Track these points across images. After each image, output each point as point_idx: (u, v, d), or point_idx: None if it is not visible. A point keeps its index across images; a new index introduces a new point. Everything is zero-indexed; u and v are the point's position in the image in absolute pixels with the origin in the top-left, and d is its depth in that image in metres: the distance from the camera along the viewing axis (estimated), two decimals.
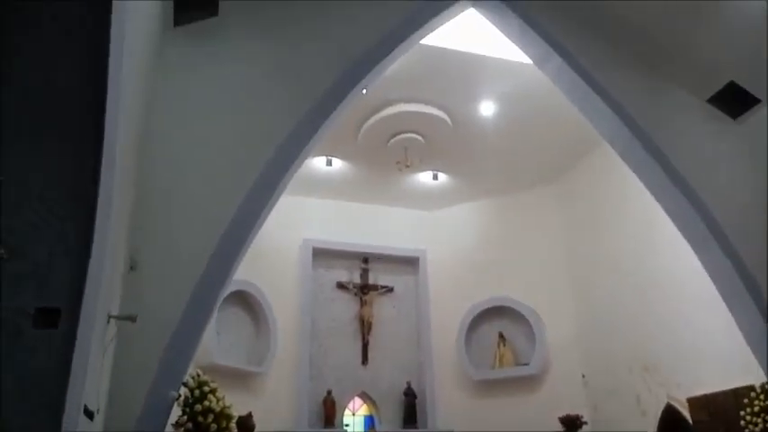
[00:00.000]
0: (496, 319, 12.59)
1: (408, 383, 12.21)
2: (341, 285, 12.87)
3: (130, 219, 5.62)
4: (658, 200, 7.70)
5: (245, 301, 11.32)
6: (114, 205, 3.98)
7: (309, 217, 12.62)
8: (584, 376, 11.30)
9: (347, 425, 11.91)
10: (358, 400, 12.38)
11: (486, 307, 12.55)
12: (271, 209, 6.56)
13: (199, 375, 5.41)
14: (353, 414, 12.33)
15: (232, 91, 6.61)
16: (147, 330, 5.33)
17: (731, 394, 7.74)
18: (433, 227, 13.48)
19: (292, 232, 12.35)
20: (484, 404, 11.67)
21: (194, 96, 6.42)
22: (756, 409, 6.42)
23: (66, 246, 3.71)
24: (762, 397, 6.43)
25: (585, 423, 10.52)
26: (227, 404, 5.35)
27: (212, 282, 5.85)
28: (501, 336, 12.44)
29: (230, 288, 10.00)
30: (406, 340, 12.81)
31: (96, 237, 3.69)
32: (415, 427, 11.74)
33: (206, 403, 5.11)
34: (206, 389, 5.24)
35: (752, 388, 6.75)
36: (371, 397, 12.26)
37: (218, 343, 10.19)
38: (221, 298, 6.38)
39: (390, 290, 13.15)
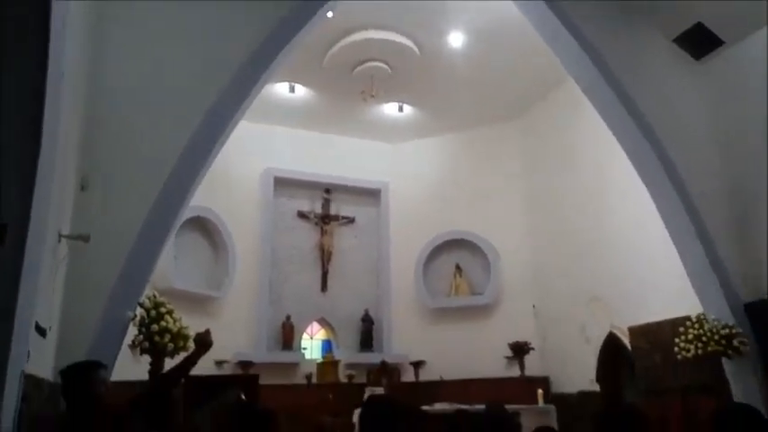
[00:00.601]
0: (454, 250, 12.90)
1: (366, 311, 12.53)
2: (302, 215, 12.86)
3: (84, 140, 5.44)
4: (618, 138, 7.84)
5: (204, 227, 11.23)
6: (61, 124, 3.80)
7: (272, 146, 12.40)
8: (534, 306, 11.81)
9: (305, 348, 12.26)
10: (316, 326, 12.69)
11: (445, 239, 12.82)
12: (228, 135, 6.42)
13: (155, 296, 5.40)
14: (311, 338, 12.67)
15: (187, 16, 6.30)
16: (102, 251, 5.28)
17: (669, 323, 8.25)
18: (397, 160, 13.47)
19: (254, 160, 12.16)
20: (439, 331, 12.12)
21: (148, 21, 6.11)
22: (690, 336, 6.85)
23: (13, 163, 3.55)
24: (696, 326, 6.86)
25: (533, 349, 11.10)
26: (184, 325, 5.38)
27: (168, 206, 5.76)
28: (458, 267, 12.79)
29: (189, 213, 9.90)
30: (366, 270, 13.05)
31: (43, 154, 3.53)
32: (372, 352, 12.16)
33: (162, 324, 5.13)
34: (162, 310, 5.24)
35: (688, 318, 7.19)
36: (330, 323, 12.58)
37: (176, 267, 10.14)
38: (178, 222, 6.30)
39: (351, 220, 13.23)
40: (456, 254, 12.90)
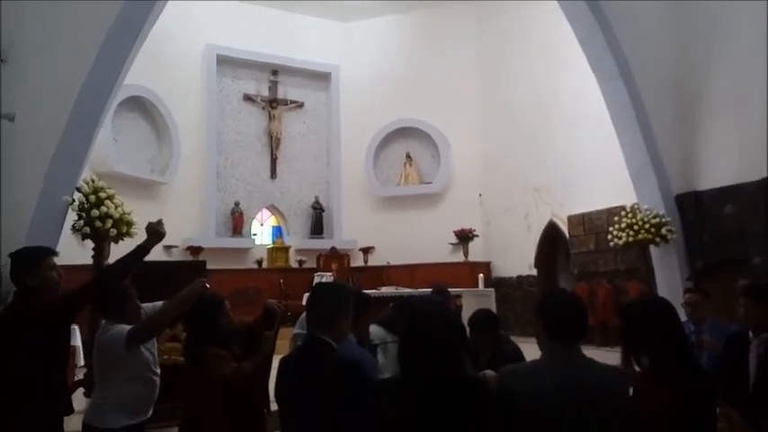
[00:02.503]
0: (405, 138, 12.84)
1: (316, 198, 12.56)
2: (248, 98, 12.33)
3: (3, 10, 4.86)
4: (573, 28, 7.67)
5: (145, 108, 10.66)
6: None
7: (213, 20, 11.51)
8: (480, 195, 12.11)
9: (255, 234, 12.33)
10: (266, 212, 12.69)
11: (396, 127, 12.69)
12: (161, 7, 5.88)
13: (93, 181, 5.17)
14: (261, 225, 12.71)
15: None
16: (33, 134, 4.94)
17: (605, 213, 8.68)
18: (348, 41, 12.85)
19: (194, 36, 11.33)
20: (388, 218, 12.35)
21: None
22: (623, 225, 7.23)
23: None
24: (630, 215, 7.23)
25: (477, 236, 11.54)
26: (127, 211, 5.23)
27: (99, 84, 5.34)
28: (408, 156, 12.80)
29: (125, 93, 9.34)
30: (316, 156, 12.89)
31: None
32: (322, 238, 12.36)
33: (103, 209, 4.96)
34: (102, 195, 5.05)
35: (623, 207, 7.54)
36: (279, 209, 12.58)
37: (116, 151, 9.72)
38: (112, 102, 5.90)
39: (300, 105, 12.81)
40: (407, 142, 12.85)
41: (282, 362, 2.44)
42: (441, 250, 11.72)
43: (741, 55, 6.67)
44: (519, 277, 10.95)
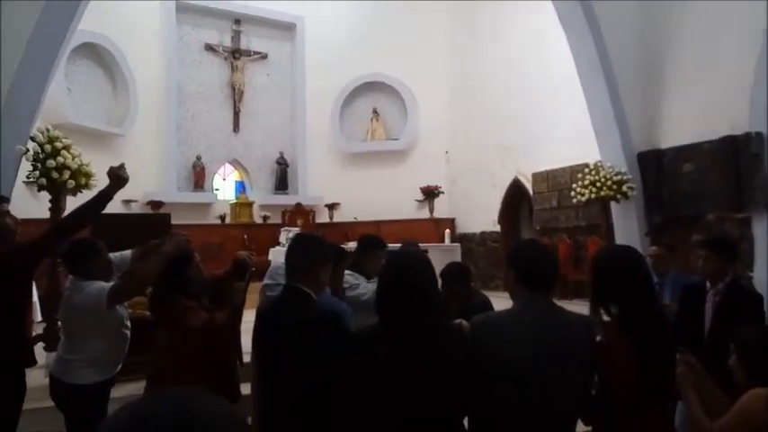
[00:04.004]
0: (372, 93, 12.65)
1: (281, 153, 12.34)
2: (210, 47, 11.86)
3: None
4: None
5: (100, 57, 10.13)
6: None
7: None
8: (447, 152, 12.13)
9: (218, 189, 12.10)
10: (229, 167, 12.42)
11: (363, 81, 12.47)
12: None
13: (48, 130, 4.92)
14: (224, 179, 12.46)
15: None
16: None
17: (568, 170, 8.83)
18: None
19: None
20: (354, 175, 12.27)
21: None
22: (586, 182, 7.38)
23: None
24: (593, 172, 7.37)
25: (443, 193, 11.62)
26: (85, 162, 5.01)
27: (51, 28, 5.02)
28: (375, 111, 12.65)
29: (79, 39, 8.85)
30: (280, 110, 12.59)
31: None
32: (287, 194, 12.22)
33: (60, 159, 4.74)
34: (58, 144, 4.81)
35: (586, 165, 7.68)
36: (243, 164, 12.33)
37: (71, 100, 9.27)
38: (65, 48, 5.57)
39: (264, 56, 12.42)
40: (374, 97, 12.68)
41: (260, 311, 2.42)
42: (407, 207, 11.78)
43: (704, 20, 6.75)
44: (483, 233, 11.13)
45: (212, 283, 3.39)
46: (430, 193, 11.52)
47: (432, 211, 11.62)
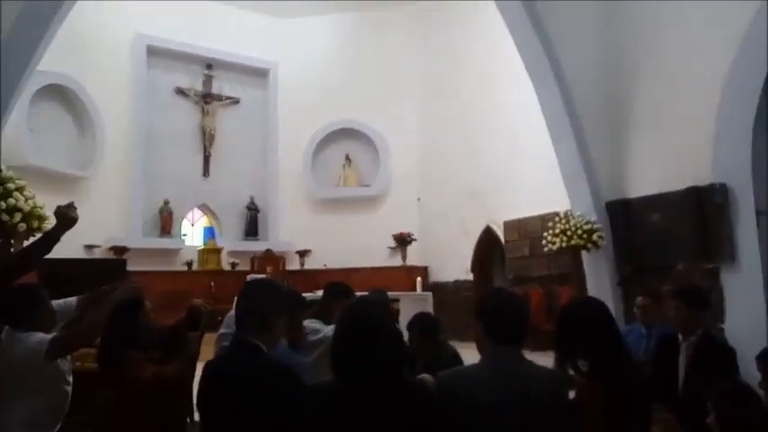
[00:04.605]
0: (344, 140, 12.69)
1: (251, 198, 12.18)
2: (180, 91, 11.82)
3: None
4: (512, 34, 7.78)
5: (65, 96, 9.95)
6: None
7: (144, 9, 10.94)
8: (419, 199, 12.13)
9: (185, 235, 11.81)
10: (197, 212, 12.19)
11: (335, 128, 12.52)
12: None
13: (1, 171, 4.71)
14: (192, 225, 12.19)
15: None
16: None
17: (539, 218, 8.86)
18: (287, 38, 12.56)
19: (123, 25, 10.73)
20: (326, 221, 12.14)
21: None
22: (557, 230, 7.38)
23: None
24: (563, 221, 7.38)
25: (415, 240, 11.53)
26: (39, 204, 4.80)
27: (9, 67, 4.88)
28: (347, 157, 12.65)
29: (43, 80, 8.72)
30: (252, 155, 12.50)
31: None
32: (257, 240, 11.99)
33: (11, 201, 4.52)
34: (11, 186, 4.60)
35: (556, 213, 7.71)
36: (212, 209, 12.11)
37: (33, 142, 9.02)
38: (25, 88, 5.43)
39: (236, 101, 12.41)
40: (346, 143, 12.71)
41: (207, 366, 2.24)
42: (379, 254, 11.64)
43: (665, 72, 6.96)
44: (456, 282, 11.01)
45: (164, 333, 3.18)
46: (402, 241, 11.43)
47: (404, 258, 11.50)
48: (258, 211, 12.21)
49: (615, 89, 7.59)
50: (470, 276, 10.72)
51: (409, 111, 12.26)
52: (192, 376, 3.16)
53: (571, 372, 2.39)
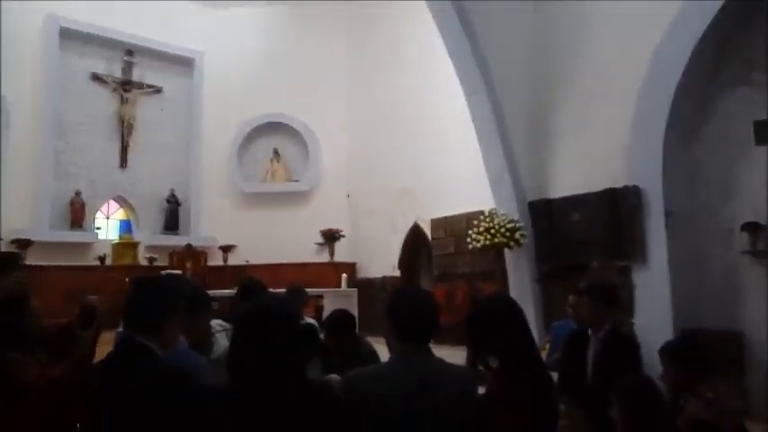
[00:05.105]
0: (274, 134, 12.39)
1: (172, 190, 11.66)
2: (97, 77, 11.12)
3: None
4: (443, 35, 7.83)
5: None
6: None
7: None
8: (348, 195, 12.03)
9: (99, 228, 11.13)
10: (113, 204, 11.52)
11: (264, 121, 12.21)
12: None
13: None
14: (107, 218, 11.52)
15: None
16: None
17: (465, 217, 8.98)
18: (215, 26, 12.11)
19: (34, 3, 9.96)
20: (252, 216, 11.81)
21: None
22: (482, 229, 7.49)
23: None
24: (488, 219, 7.50)
25: (343, 236, 11.42)
26: None
27: None
28: (276, 151, 12.37)
29: None
30: (174, 146, 11.96)
31: None
32: (177, 234, 11.49)
33: None
34: None
35: (481, 212, 7.82)
36: (129, 202, 11.49)
37: None
38: None
39: (159, 90, 11.84)
40: (275, 138, 12.42)
41: (94, 367, 2.05)
42: (307, 250, 11.45)
43: (587, 79, 7.24)
44: (384, 278, 10.99)
45: (52, 333, 2.91)
46: (331, 237, 11.29)
47: (332, 254, 11.36)
48: (179, 205, 11.71)
49: (541, 95, 7.82)
50: (397, 272, 10.74)
51: (340, 106, 12.13)
52: (83, 378, 2.91)
53: (482, 368, 2.38)
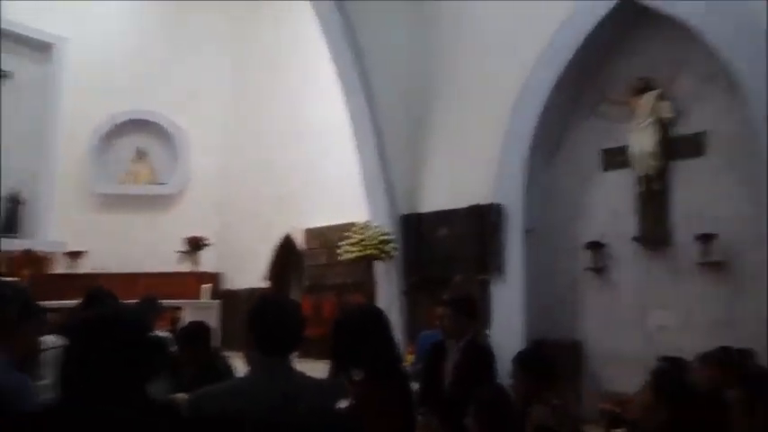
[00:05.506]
0: (140, 132, 11.53)
1: (13, 189, 10.40)
2: None
3: None
4: (326, 41, 7.83)
5: None
6: None
7: None
8: (220, 202, 11.52)
9: None
10: None
11: (129, 118, 11.34)
12: None
13: None
14: None
15: None
16: None
17: (338, 228, 8.97)
18: (80, 12, 10.99)
19: None
20: (107, 220, 10.83)
21: None
22: (354, 240, 7.55)
23: None
24: (360, 231, 7.58)
25: (209, 244, 10.84)
26: None
27: None
28: (139, 151, 11.54)
29: None
30: (23, 139, 10.62)
31: None
32: (16, 237, 10.23)
33: None
34: None
35: (354, 224, 7.89)
36: None
37: None
38: None
39: (8, 75, 10.51)
40: (142, 136, 11.56)
41: None
42: (170, 258, 10.72)
43: (463, 100, 7.64)
44: (252, 289, 10.61)
45: None
46: (195, 245, 10.70)
47: (196, 263, 10.77)
48: (21, 204, 10.46)
49: (418, 109, 8.10)
50: (267, 284, 10.44)
51: (215, 108, 11.58)
52: None
53: (345, 380, 2.36)
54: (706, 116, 5.98)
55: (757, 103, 5.16)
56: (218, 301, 9.09)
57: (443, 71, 7.95)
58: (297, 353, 2.03)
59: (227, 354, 3.74)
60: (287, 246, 10.26)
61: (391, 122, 7.94)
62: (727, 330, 5.31)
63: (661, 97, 6.15)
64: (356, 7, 7.50)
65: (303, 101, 10.17)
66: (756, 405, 2.06)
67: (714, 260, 5.69)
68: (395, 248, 7.55)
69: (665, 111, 6.10)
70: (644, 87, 6.25)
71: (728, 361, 3.08)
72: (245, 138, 11.27)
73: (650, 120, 6.11)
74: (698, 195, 5.94)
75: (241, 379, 1.96)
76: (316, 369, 2.13)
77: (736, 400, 2.01)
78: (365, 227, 7.67)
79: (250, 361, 1.97)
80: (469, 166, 7.39)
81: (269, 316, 1.97)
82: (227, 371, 3.08)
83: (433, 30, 8.08)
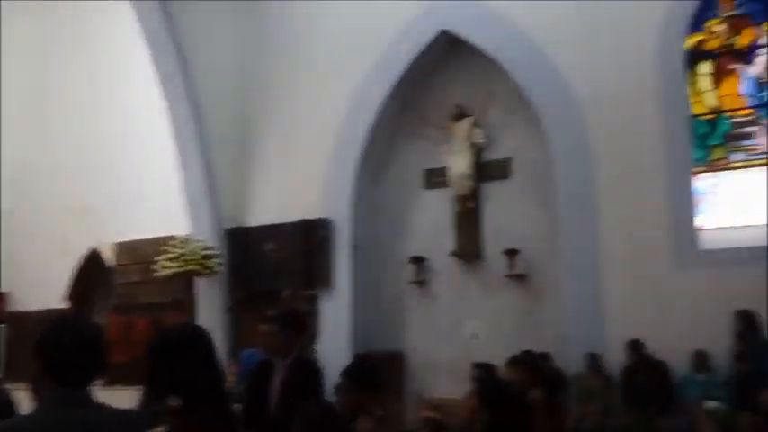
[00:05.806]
0: None
1: None
2: None
3: None
4: (147, 42, 7.26)
5: None
6: None
7: None
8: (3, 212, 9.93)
9: None
10: None
11: None
12: None
13: None
14: None
15: None
16: None
17: (154, 242, 8.28)
18: None
19: None
20: None
21: None
22: (173, 255, 7.02)
23: None
24: (180, 246, 7.08)
25: None
26: None
27: None
28: None
29: None
30: None
31: None
32: None
33: None
34: None
35: (173, 237, 7.36)
36: None
37: None
38: None
39: None
40: None
41: None
42: None
43: (292, 115, 7.62)
44: (49, 311, 9.29)
45: None
46: None
47: None
48: None
49: (246, 121, 7.91)
50: (67, 304, 9.24)
51: (7, 105, 10.02)
52: None
53: (159, 408, 2.12)
54: (512, 143, 6.71)
55: (555, 134, 5.91)
56: (3, 324, 7.81)
57: (273, 87, 7.89)
58: (100, 381, 1.77)
59: (10, 386, 3.19)
60: (92, 261, 9.20)
61: (218, 132, 7.64)
62: (529, 336, 5.92)
63: (475, 124, 6.76)
64: (180, 8, 7.10)
65: (115, 100, 9.25)
66: (554, 405, 2.28)
67: (518, 272, 6.34)
68: (219, 263, 7.20)
69: (478, 137, 6.72)
70: (460, 114, 6.81)
71: (532, 363, 3.39)
72: (42, 142, 9.89)
73: (466, 144, 6.67)
74: (504, 214, 6.61)
75: (29, 415, 1.66)
76: (121, 398, 1.87)
77: (539, 400, 2.22)
78: (186, 241, 7.21)
79: (38, 394, 1.68)
80: (299, 181, 7.38)
81: (62, 340, 1.69)
82: (8, 405, 2.61)
83: (264, 43, 7.97)
